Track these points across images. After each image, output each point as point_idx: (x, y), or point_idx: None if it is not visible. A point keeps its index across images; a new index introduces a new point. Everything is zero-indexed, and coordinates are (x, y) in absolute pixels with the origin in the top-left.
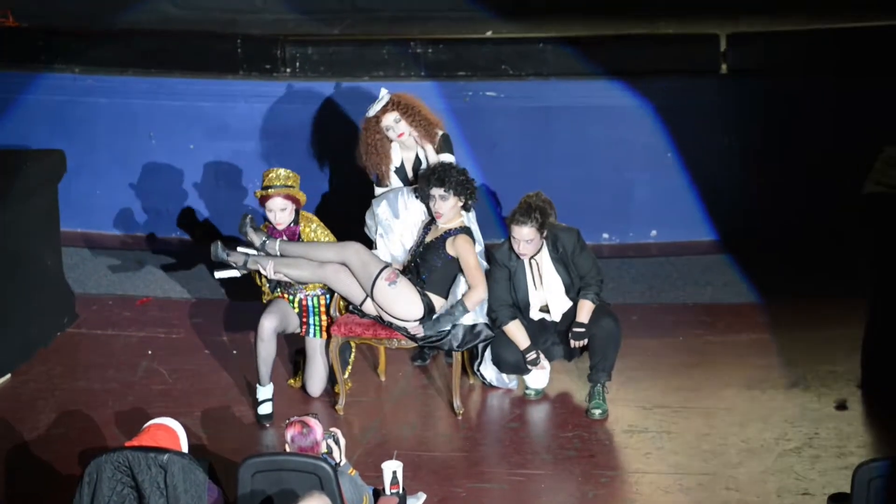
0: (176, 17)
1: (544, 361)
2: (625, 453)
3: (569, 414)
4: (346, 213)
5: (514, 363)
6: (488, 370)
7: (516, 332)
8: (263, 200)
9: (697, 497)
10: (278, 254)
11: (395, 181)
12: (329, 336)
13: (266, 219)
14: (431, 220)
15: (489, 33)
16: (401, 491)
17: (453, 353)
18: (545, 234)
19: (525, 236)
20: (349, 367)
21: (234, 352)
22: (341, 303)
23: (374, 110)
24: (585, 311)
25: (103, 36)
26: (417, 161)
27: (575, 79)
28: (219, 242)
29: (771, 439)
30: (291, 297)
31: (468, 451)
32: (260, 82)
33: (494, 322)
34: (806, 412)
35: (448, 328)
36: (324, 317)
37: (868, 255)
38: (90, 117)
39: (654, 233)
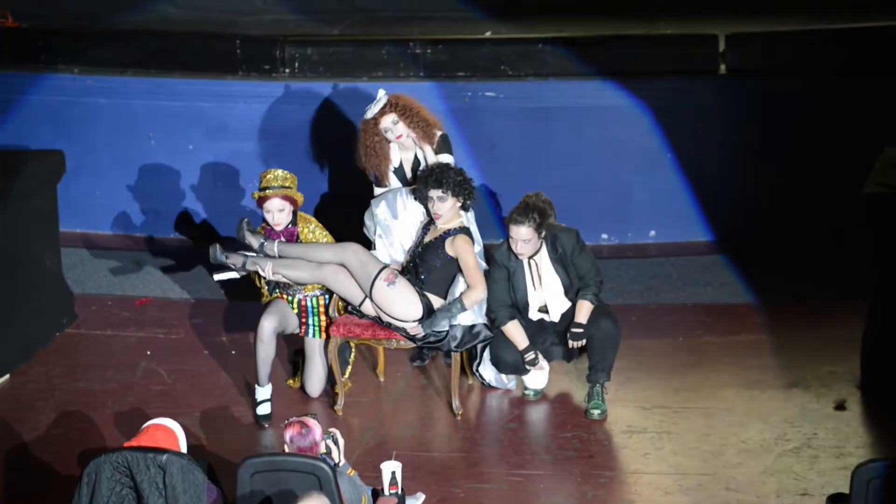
0: (176, 18)
1: (543, 362)
2: (624, 454)
3: (568, 414)
4: (345, 213)
5: (513, 363)
6: (487, 371)
7: (515, 332)
8: (261, 202)
9: (696, 497)
10: (277, 255)
11: (394, 182)
12: (328, 336)
13: (264, 220)
14: (430, 221)
15: (488, 34)
16: (400, 491)
17: (452, 353)
18: (544, 234)
19: (522, 236)
20: (349, 368)
21: (233, 352)
22: (340, 303)
23: (372, 112)
24: (584, 311)
25: (103, 36)
26: (416, 161)
27: (574, 79)
28: (217, 245)
29: (770, 440)
30: (290, 298)
31: (467, 452)
32: (259, 83)
33: (493, 322)
34: (805, 413)
35: (447, 329)
36: (323, 317)
37: (868, 255)
38: (90, 118)
39: (653, 233)
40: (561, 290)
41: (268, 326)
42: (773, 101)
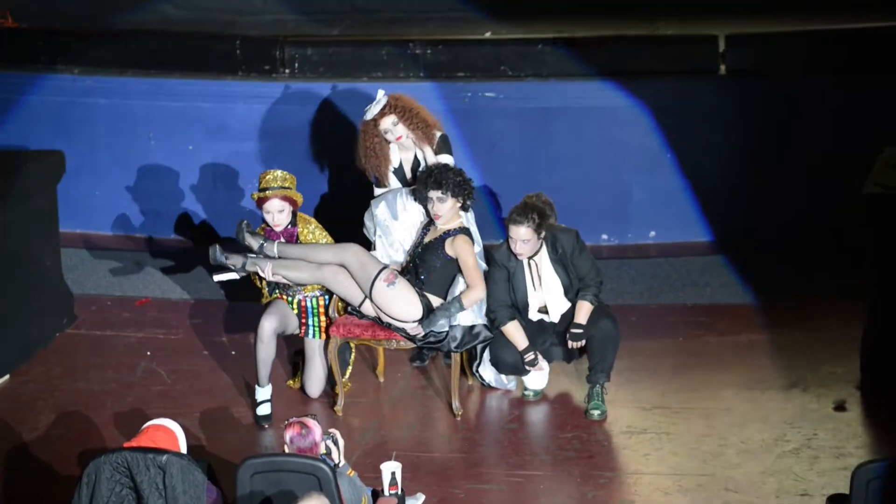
0: (175, 18)
1: (542, 362)
2: (623, 454)
3: (567, 415)
4: (345, 214)
5: (513, 364)
6: (487, 371)
7: (515, 332)
8: (261, 202)
9: (696, 498)
10: (276, 256)
11: (393, 182)
12: (328, 337)
13: (264, 221)
14: (430, 221)
15: (488, 34)
16: (399, 492)
17: (452, 354)
18: (543, 235)
19: (521, 236)
20: (349, 368)
21: (233, 353)
22: (340, 304)
23: (371, 113)
24: (584, 312)
25: (103, 36)
26: (416, 162)
27: (574, 80)
28: (217, 246)
29: (770, 440)
30: (290, 299)
31: (467, 452)
32: (259, 83)
33: (493, 322)
34: (805, 413)
35: (447, 329)
36: (322, 318)
37: (868, 255)
38: (90, 118)
39: (652, 234)
40: (561, 290)
41: (268, 327)
42: (773, 101)
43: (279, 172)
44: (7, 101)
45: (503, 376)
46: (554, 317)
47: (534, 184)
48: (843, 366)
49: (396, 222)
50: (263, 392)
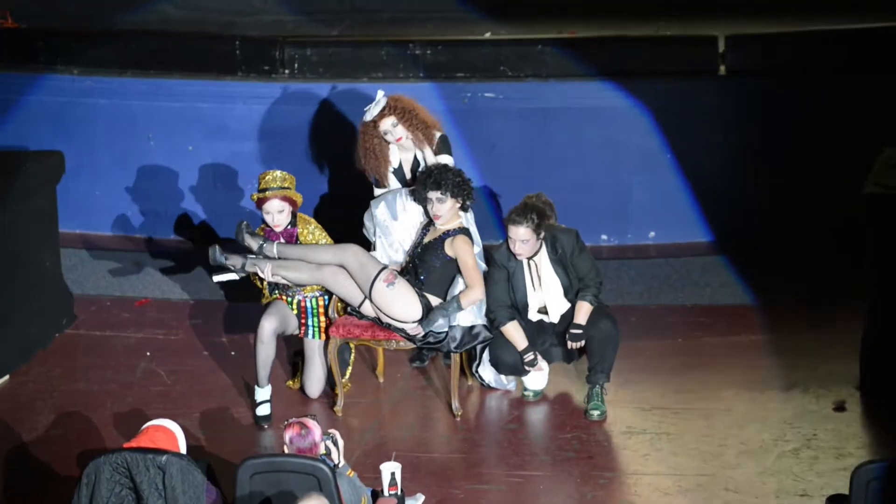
0: (175, 18)
1: (542, 363)
2: (623, 454)
3: (567, 415)
4: (345, 214)
5: (512, 364)
6: (487, 372)
7: (514, 332)
8: (260, 203)
9: (696, 498)
10: (276, 256)
11: (393, 182)
12: (327, 337)
13: (263, 221)
14: (430, 222)
15: (488, 35)
16: (399, 492)
17: (451, 354)
18: (542, 235)
19: (520, 236)
20: (349, 369)
21: (233, 353)
22: (339, 304)
23: (371, 114)
24: (583, 312)
25: (103, 37)
26: (416, 162)
27: (574, 80)
28: (216, 246)
29: (769, 440)
30: (290, 299)
31: (467, 453)
32: (258, 83)
33: (492, 323)
34: (805, 413)
35: (446, 329)
36: (322, 318)
37: (868, 255)
38: (89, 118)
39: (652, 234)
40: (560, 291)
41: (268, 327)
42: (773, 102)
43: (278, 173)
44: (7, 102)
45: (503, 377)
46: (553, 317)
47: (533, 184)
48: (843, 366)
49: (396, 223)
50: (263, 392)
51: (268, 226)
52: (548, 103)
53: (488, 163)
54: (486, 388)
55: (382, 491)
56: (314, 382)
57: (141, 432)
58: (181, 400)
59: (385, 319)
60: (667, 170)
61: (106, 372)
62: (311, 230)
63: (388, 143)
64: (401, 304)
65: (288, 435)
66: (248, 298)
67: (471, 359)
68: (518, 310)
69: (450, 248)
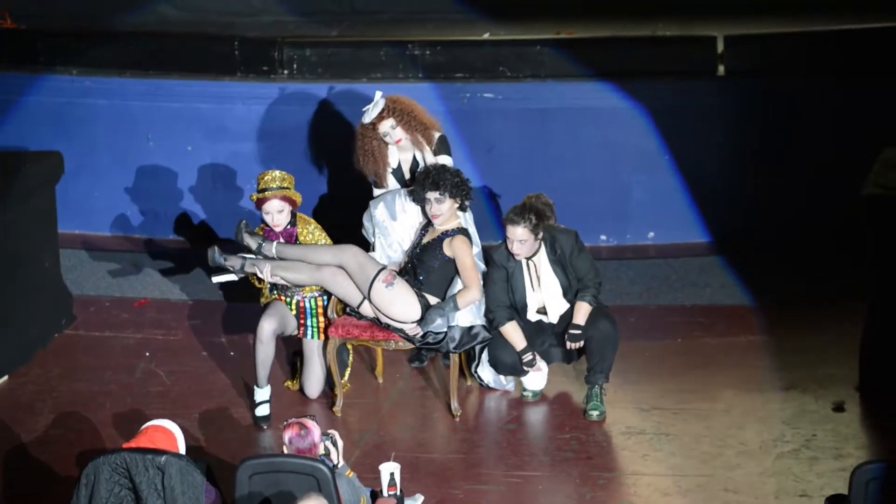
0: (174, 19)
1: (541, 363)
2: (622, 455)
3: (566, 416)
4: (344, 214)
5: (511, 364)
6: (485, 372)
7: (513, 333)
8: (260, 203)
9: (695, 499)
10: (275, 257)
11: (392, 183)
12: (326, 338)
13: (263, 221)
14: (429, 222)
15: (486, 35)
16: (398, 493)
17: (451, 354)
18: (541, 235)
19: (518, 236)
20: (348, 369)
21: (232, 353)
22: (338, 305)
23: (370, 116)
24: (582, 312)
25: (102, 37)
26: (415, 163)
27: (572, 81)
28: (215, 247)
29: (769, 441)
30: (289, 300)
31: (466, 453)
32: (258, 84)
33: (491, 323)
34: (804, 414)
35: (445, 330)
36: (321, 318)
37: (867, 256)
38: (89, 119)
39: (651, 234)
40: (559, 291)
41: (267, 328)
42: (773, 102)
43: (277, 173)
44: (6, 102)
45: (502, 377)
46: (552, 318)
47: (532, 184)
48: (843, 366)
49: (395, 223)
50: (262, 393)
51: (267, 226)
52: (547, 104)
53: (487, 163)
54: (485, 388)
55: (381, 491)
56: (313, 383)
57: (140, 433)
58: (180, 400)
59: (384, 320)
60: (666, 170)
61: (105, 372)
62: (311, 230)
63: (388, 144)
64: (400, 304)
65: (287, 435)
66: (247, 299)
67: (470, 359)
68: (517, 310)
69: (448, 249)
